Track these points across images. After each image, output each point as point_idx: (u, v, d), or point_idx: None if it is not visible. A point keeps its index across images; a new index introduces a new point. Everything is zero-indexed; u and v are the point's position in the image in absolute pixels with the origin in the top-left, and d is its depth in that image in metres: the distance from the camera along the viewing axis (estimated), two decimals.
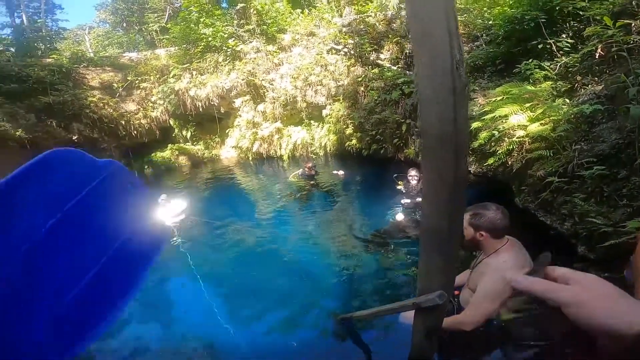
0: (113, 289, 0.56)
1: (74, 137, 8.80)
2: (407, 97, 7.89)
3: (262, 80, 10.17)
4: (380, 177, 7.29)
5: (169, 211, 6.32)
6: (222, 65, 10.43)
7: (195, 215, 6.35)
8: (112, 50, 16.67)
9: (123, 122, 9.73)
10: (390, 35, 9.80)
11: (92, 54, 12.63)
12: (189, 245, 5.49)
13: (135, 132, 9.98)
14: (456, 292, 2.06)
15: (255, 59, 10.41)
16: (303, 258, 4.75)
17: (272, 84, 10.14)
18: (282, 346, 3.29)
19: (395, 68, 8.90)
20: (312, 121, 10.17)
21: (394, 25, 10.11)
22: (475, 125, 5.63)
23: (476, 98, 6.51)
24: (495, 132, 5.15)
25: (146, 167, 10.32)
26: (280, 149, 10.17)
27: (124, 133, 9.74)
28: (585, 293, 0.43)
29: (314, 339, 3.22)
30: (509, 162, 5.11)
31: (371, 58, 9.59)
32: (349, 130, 8.90)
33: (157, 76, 10.61)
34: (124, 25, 19.83)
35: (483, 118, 5.44)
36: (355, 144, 8.80)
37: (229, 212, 6.69)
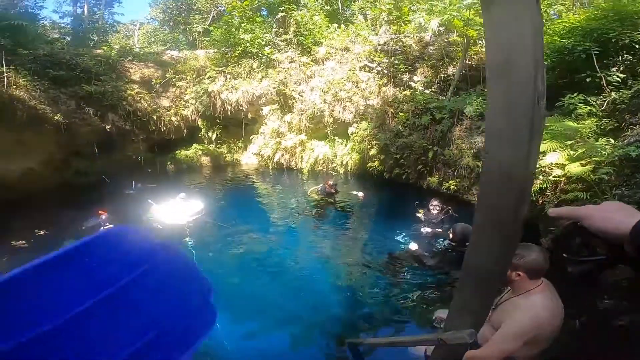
0: None
1: (108, 127, 9.11)
2: (437, 123, 7.66)
3: (293, 90, 10.22)
4: (399, 203, 7.09)
5: (186, 210, 6.38)
6: (255, 71, 10.59)
7: (209, 218, 6.38)
8: (156, 47, 17.55)
9: (155, 117, 10.05)
10: (425, 58, 9.67)
11: (138, 49, 13.28)
12: (199, 246, 5.51)
13: (164, 128, 10.28)
14: None
15: (288, 69, 10.50)
16: (311, 275, 4.64)
17: (301, 96, 10.17)
18: (266, 350, 3.20)
19: (427, 92, 8.70)
20: (336, 137, 10.07)
21: (431, 48, 9.97)
22: None
23: None
24: None
25: (169, 163, 10.59)
26: (301, 161, 10.12)
27: (154, 128, 10.04)
28: (594, 210, 0.63)
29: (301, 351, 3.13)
30: (540, 201, 4.86)
31: (404, 79, 9.47)
32: (372, 151, 8.73)
33: (193, 76, 10.93)
34: (171, 24, 20.85)
35: None
36: (378, 166, 8.62)
37: (243, 218, 6.70)
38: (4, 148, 7.26)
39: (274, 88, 10.16)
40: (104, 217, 5.91)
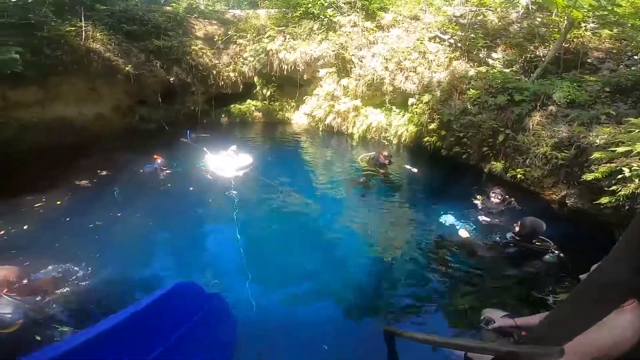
0: None
1: (171, 79, 9.55)
2: (515, 104, 6.78)
3: (352, 55, 9.73)
4: (454, 184, 6.53)
5: (235, 163, 6.57)
6: (315, 33, 10.25)
7: (256, 173, 6.46)
8: (220, 6, 17.70)
9: (214, 72, 10.29)
10: (511, 35, 8.65)
11: (203, 7, 13.47)
12: (241, 200, 5.59)
13: (222, 82, 10.49)
14: (523, 334, 1.96)
15: (350, 33, 9.99)
16: (347, 246, 4.44)
17: (361, 61, 9.66)
18: (290, 321, 3.10)
19: (507, 71, 7.70)
20: (393, 107, 9.49)
21: (516, 25, 8.89)
22: (595, 155, 4.83)
23: (606, 124, 5.32)
24: (625, 170, 4.27)
25: (223, 115, 10.93)
26: (353, 127, 9.76)
27: (212, 82, 10.30)
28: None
29: (326, 329, 2.97)
30: (626, 206, 4.25)
31: (480, 55, 8.51)
32: (432, 126, 8.07)
33: (254, 34, 10.89)
34: None
35: (609, 149, 4.66)
36: (435, 142, 7.98)
37: (287, 177, 6.66)
38: (79, 95, 8.07)
39: (333, 51, 9.77)
40: (159, 161, 6.21)
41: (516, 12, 9.10)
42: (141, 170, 6.10)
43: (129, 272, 3.64)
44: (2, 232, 4.01)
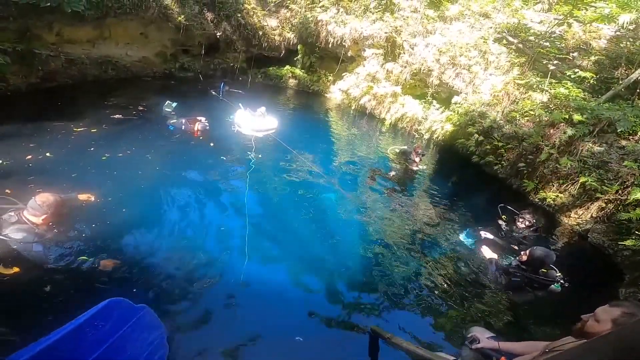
0: None
1: (218, 34, 9.56)
2: (571, 124, 6.16)
3: (405, 41, 9.20)
4: (478, 194, 6.12)
5: (261, 124, 6.64)
6: (370, 11, 9.80)
7: (279, 137, 6.44)
8: None
9: (260, 34, 10.14)
10: (592, 51, 7.94)
11: None
12: (259, 162, 5.57)
13: (266, 44, 10.35)
14: (502, 359, 1.97)
15: (407, 17, 9.43)
16: (354, 234, 4.29)
17: (412, 49, 9.13)
18: (283, 295, 3.08)
19: (575, 88, 6.93)
20: (434, 101, 9.00)
21: (603, 41, 8.16)
22: (638, 196, 4.57)
23: None
24: None
25: (260, 76, 10.88)
26: (386, 112, 9.36)
27: (256, 43, 10.18)
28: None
29: (310, 313, 2.91)
30: None
31: (549, 66, 7.76)
32: (471, 129, 7.54)
33: (307, 2, 10.57)
34: None
35: None
36: (469, 146, 7.46)
37: (309, 148, 6.56)
38: (130, 38, 8.36)
39: (385, 33, 9.30)
40: (200, 125, 6.03)
41: (608, 29, 8.25)
42: (182, 122, 6.01)
43: (137, 210, 3.72)
44: (29, 156, 4.12)
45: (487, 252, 3.76)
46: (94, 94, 6.78)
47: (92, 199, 3.31)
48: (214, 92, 8.16)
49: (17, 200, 2.62)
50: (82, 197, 3.26)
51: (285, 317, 2.83)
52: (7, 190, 2.96)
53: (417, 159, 6.27)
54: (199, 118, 6.00)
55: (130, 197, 3.87)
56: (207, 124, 5.98)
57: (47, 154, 4.30)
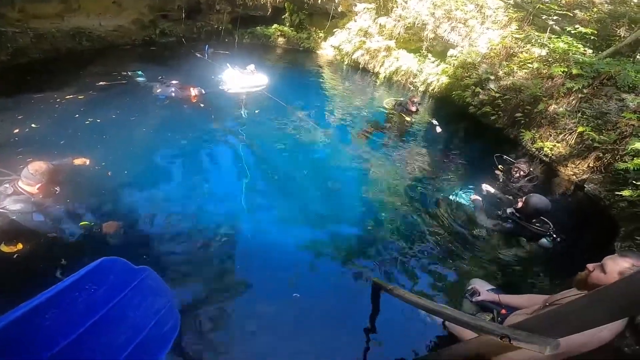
0: None
1: None
2: (569, 78, 6.05)
3: None
4: (475, 144, 6.09)
5: (250, 81, 6.52)
6: None
7: (269, 93, 6.33)
8: None
9: None
10: (594, 9, 7.66)
11: None
12: (251, 117, 5.51)
13: (251, 3, 9.65)
14: (503, 311, 1.96)
15: None
16: (350, 185, 4.29)
17: (405, 2, 8.65)
18: (281, 249, 3.09)
19: (577, 44, 6.72)
20: (429, 55, 8.68)
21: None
22: (636, 145, 4.53)
23: None
24: None
25: (246, 37, 10.33)
26: (380, 66, 9.06)
27: (240, 2, 9.49)
28: None
29: (310, 265, 2.96)
30: None
31: (549, 22, 7.46)
32: (468, 81, 7.37)
33: None
34: None
35: None
36: (466, 97, 7.34)
37: (301, 103, 6.41)
38: (102, 8, 7.69)
39: None
40: (196, 90, 5.80)
41: None
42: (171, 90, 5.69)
43: (132, 172, 3.69)
44: (16, 130, 4.02)
45: (475, 197, 3.75)
46: (71, 65, 6.39)
47: (87, 162, 3.28)
48: (198, 55, 7.81)
49: (10, 172, 2.56)
50: (78, 161, 3.23)
51: (285, 271, 2.85)
52: None
53: (413, 109, 6.18)
54: (193, 86, 5.78)
55: (124, 159, 3.82)
56: (203, 90, 5.78)
57: (33, 125, 4.18)
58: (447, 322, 2.06)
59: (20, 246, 2.32)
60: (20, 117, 4.29)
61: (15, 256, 2.29)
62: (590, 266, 1.52)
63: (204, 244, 2.96)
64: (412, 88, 8.59)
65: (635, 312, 0.97)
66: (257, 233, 3.20)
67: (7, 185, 2.43)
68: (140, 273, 0.95)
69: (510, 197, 4.10)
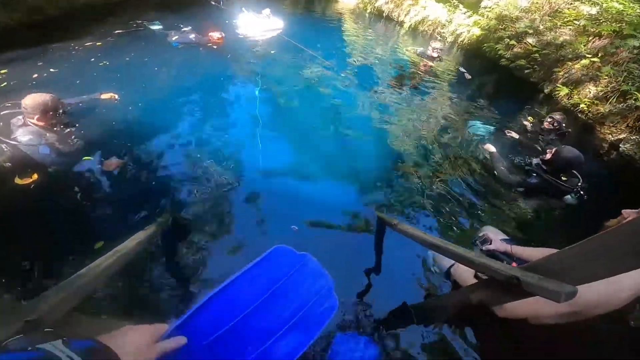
0: (292, 344, 0.86)
1: None
2: (620, 37, 5.52)
3: None
4: (505, 96, 5.67)
5: (265, 24, 6.40)
6: None
7: (286, 37, 6.17)
8: None
9: None
10: None
11: None
12: (268, 59, 5.38)
13: None
14: (513, 264, 1.75)
15: None
16: (365, 130, 4.11)
17: None
18: (289, 186, 3.03)
19: (633, 4, 6.00)
20: (461, 5, 7.97)
21: None
22: None
23: None
24: None
25: None
26: (406, 15, 8.47)
27: None
28: None
29: (322, 201, 2.87)
30: None
31: None
32: (502, 33, 6.80)
33: None
34: None
35: None
36: (500, 50, 6.79)
37: (320, 48, 6.11)
38: None
39: None
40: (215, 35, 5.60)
41: None
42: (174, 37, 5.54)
43: (146, 114, 3.58)
44: (35, 75, 3.96)
45: (489, 147, 3.47)
46: (89, 18, 6.16)
47: (116, 97, 3.21)
48: (213, 2, 7.51)
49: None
50: (105, 96, 3.18)
51: (306, 210, 2.75)
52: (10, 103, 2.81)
53: (434, 54, 5.91)
54: (212, 29, 5.58)
55: (137, 99, 3.72)
56: (222, 33, 5.55)
57: (51, 70, 4.14)
58: (452, 270, 1.92)
59: (35, 176, 2.33)
60: (40, 64, 4.25)
61: (32, 186, 2.29)
62: (626, 212, 1.38)
63: (213, 186, 2.82)
64: (439, 38, 7.99)
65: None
66: (272, 173, 3.10)
67: (20, 117, 2.42)
68: (302, 258, 1.09)
69: (536, 146, 3.85)
